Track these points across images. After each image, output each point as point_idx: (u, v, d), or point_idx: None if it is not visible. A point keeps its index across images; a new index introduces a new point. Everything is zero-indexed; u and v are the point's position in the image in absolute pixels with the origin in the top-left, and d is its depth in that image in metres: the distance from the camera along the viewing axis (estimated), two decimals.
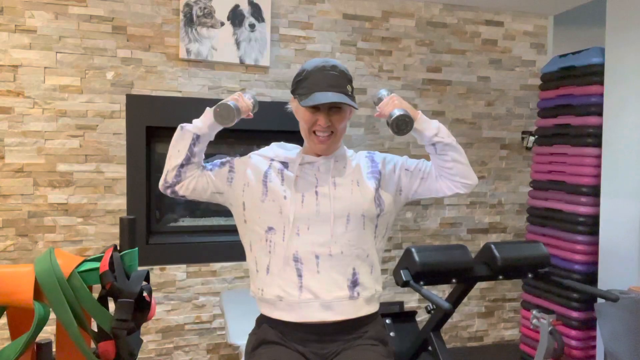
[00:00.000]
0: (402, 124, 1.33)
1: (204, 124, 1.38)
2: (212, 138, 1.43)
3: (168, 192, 1.42)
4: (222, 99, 2.86)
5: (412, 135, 1.41)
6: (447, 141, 1.38)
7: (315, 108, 1.36)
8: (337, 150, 1.46)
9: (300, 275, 1.35)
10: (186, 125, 1.39)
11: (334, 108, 1.37)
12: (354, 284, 1.37)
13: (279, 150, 1.47)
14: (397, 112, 1.33)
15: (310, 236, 1.35)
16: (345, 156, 1.47)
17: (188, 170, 1.39)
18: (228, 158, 1.48)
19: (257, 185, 1.40)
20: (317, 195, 1.38)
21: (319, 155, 1.43)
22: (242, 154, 1.51)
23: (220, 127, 1.40)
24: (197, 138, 1.38)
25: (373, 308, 1.42)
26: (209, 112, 1.38)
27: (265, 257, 1.38)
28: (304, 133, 1.42)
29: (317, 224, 1.36)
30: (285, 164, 1.43)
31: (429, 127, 1.38)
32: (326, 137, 1.38)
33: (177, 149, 1.38)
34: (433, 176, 1.45)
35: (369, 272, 1.41)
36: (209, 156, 1.50)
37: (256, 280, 1.42)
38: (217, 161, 1.47)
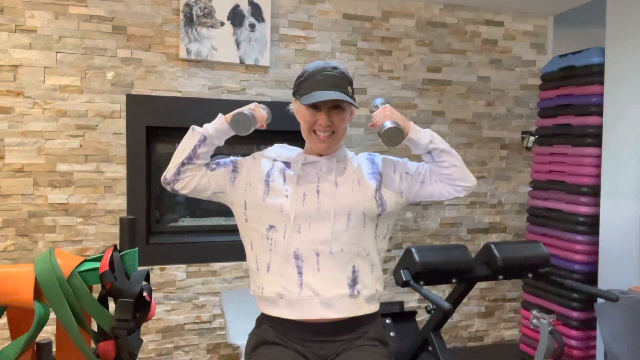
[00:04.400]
0: (393, 136, 1.36)
1: (213, 128, 1.41)
2: (220, 143, 1.45)
3: (168, 188, 1.44)
4: (222, 99, 2.88)
5: (407, 144, 1.43)
6: (442, 147, 1.42)
7: (316, 108, 1.37)
8: (338, 150, 1.47)
9: (300, 273, 1.35)
10: (196, 127, 1.42)
11: (334, 108, 1.38)
12: (354, 282, 1.37)
13: (281, 151, 1.49)
14: (387, 125, 1.36)
15: (311, 234, 1.36)
16: (347, 157, 1.49)
17: (188, 170, 1.41)
18: (231, 157, 1.50)
19: (259, 185, 1.41)
20: (319, 194, 1.39)
21: (320, 155, 1.44)
22: (243, 155, 1.53)
23: (230, 134, 1.43)
24: (203, 140, 1.40)
25: (373, 308, 1.42)
26: (221, 117, 1.42)
27: (266, 255, 1.39)
28: (304, 133, 1.44)
29: (318, 221, 1.36)
30: (287, 164, 1.45)
31: (423, 136, 1.42)
32: (327, 137, 1.40)
33: (182, 148, 1.42)
34: (433, 179, 1.47)
35: (369, 271, 1.41)
36: (210, 157, 1.51)
37: (256, 278, 1.42)
38: (221, 160, 1.48)
